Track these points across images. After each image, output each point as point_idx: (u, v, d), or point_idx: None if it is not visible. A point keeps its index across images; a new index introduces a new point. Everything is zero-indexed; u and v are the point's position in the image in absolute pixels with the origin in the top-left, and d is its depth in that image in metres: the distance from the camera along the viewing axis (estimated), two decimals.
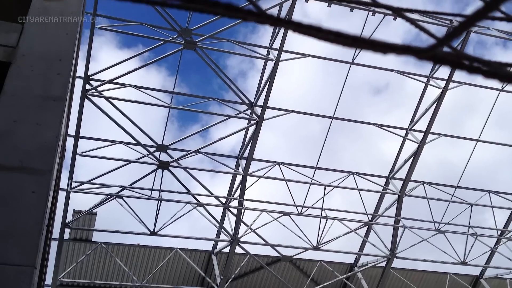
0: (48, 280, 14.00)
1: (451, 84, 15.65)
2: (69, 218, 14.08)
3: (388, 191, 17.00)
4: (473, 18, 1.25)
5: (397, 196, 16.88)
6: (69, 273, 15.55)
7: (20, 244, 4.41)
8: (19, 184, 4.67)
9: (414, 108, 16.36)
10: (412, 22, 1.49)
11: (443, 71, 15.54)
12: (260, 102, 14.64)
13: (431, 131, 16.06)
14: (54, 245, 13.57)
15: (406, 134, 16.38)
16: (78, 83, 12.56)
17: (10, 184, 4.62)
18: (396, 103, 20.21)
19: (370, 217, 17.29)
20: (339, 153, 18.82)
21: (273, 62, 14.31)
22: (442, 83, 15.66)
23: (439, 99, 15.65)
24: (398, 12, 1.66)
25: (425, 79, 15.82)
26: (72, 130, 13.34)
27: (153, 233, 14.82)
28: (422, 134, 16.08)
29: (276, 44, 14.39)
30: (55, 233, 13.26)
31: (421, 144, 16.02)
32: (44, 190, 4.74)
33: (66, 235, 14.37)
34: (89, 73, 13.20)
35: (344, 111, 16.01)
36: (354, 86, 16.70)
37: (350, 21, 14.55)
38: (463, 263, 17.40)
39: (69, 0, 6.28)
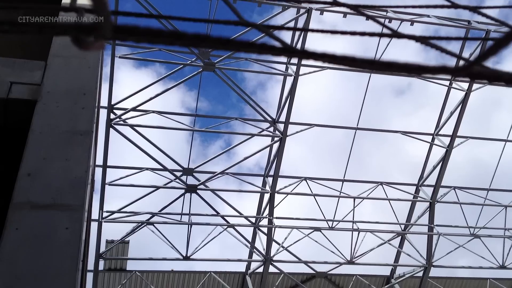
0: None
1: (475, 85, 15.40)
2: (102, 248, 14.16)
3: (419, 198, 16.72)
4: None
5: (428, 203, 16.58)
6: None
7: (58, 282, 4.42)
8: (52, 222, 4.69)
9: (438, 108, 16.08)
10: (433, 45, 1.44)
11: None
12: (282, 118, 14.60)
13: (458, 134, 15.79)
14: (89, 277, 13.65)
15: (433, 139, 16.14)
16: (102, 113, 12.72)
17: (44, 222, 4.65)
18: (421, 103, 19.90)
19: (402, 226, 16.99)
20: (366, 159, 18.58)
21: (292, 77, 14.30)
22: (465, 85, 15.43)
23: (463, 102, 15.40)
24: (412, 22, 1.61)
25: (447, 83, 15.61)
26: (99, 160, 13.49)
27: (186, 258, 14.80)
28: (449, 138, 15.82)
29: (294, 59, 14.39)
30: (90, 265, 13.35)
31: (449, 148, 15.75)
32: (77, 225, 4.75)
33: (101, 266, 14.45)
34: (112, 102, 13.37)
35: (367, 116, 15.85)
36: (376, 89, 16.53)
37: (366, 24, 14.46)
38: (502, 267, 16.95)
39: None
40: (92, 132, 5.51)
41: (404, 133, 15.99)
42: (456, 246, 16.70)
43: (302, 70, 14.34)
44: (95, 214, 13.27)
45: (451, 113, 15.74)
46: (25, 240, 4.45)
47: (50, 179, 4.88)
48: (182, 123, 14.08)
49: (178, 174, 14.37)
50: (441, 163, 16.01)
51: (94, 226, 13.55)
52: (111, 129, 13.26)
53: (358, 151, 16.64)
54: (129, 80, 20.21)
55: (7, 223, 4.52)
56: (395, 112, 20.51)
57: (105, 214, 13.77)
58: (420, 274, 16.67)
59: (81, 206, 4.84)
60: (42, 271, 4.34)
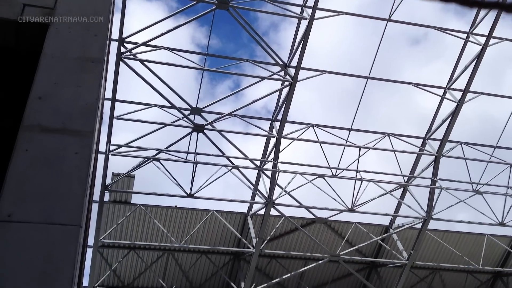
0: (90, 241, 14.42)
1: (492, 40, 15.08)
2: (108, 181, 14.38)
3: (424, 152, 16.73)
4: None
5: (434, 157, 16.60)
6: (110, 234, 15.97)
7: (66, 204, 4.48)
8: (62, 146, 4.71)
9: (453, 61, 15.82)
10: None
11: (484, 27, 14.97)
12: (293, 62, 14.43)
13: (470, 89, 15.60)
14: (95, 207, 13.93)
15: (444, 93, 15.97)
16: (113, 46, 12.60)
17: (54, 146, 4.67)
18: (435, 55, 19.51)
19: (405, 178, 17.10)
20: (375, 109, 18.43)
21: (307, 21, 14.01)
22: (482, 39, 15.11)
23: (479, 57, 15.12)
24: None
25: (464, 35, 15.28)
26: (108, 94, 13.48)
27: (190, 195, 15.02)
28: (461, 93, 15.65)
29: (310, 2, 14.06)
30: (96, 196, 13.57)
31: (460, 103, 15.60)
32: (86, 152, 4.78)
33: (106, 198, 14.71)
34: (122, 36, 13.21)
35: (379, 64, 15.62)
36: (390, 37, 16.21)
37: None
38: (501, 224, 17.14)
39: None
40: (104, 60, 5.46)
41: (416, 85, 15.82)
42: (457, 201, 16.84)
43: (318, 14, 14.04)
44: (102, 147, 13.40)
45: (465, 67, 15.49)
46: (34, 161, 4.49)
47: (61, 104, 4.88)
48: (192, 61, 13.95)
49: (186, 112, 14.38)
50: (450, 117, 15.91)
51: (101, 158, 13.72)
52: (121, 62, 13.16)
53: (367, 100, 16.52)
54: (140, 13, 19.87)
55: (17, 144, 4.55)
56: (408, 62, 20.17)
57: (112, 147, 13.89)
58: (419, 226, 16.89)
59: (90, 132, 4.86)
60: (50, 193, 4.40)
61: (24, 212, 4.33)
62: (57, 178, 4.48)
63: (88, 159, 4.71)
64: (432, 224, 16.92)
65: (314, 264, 17.19)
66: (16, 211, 4.33)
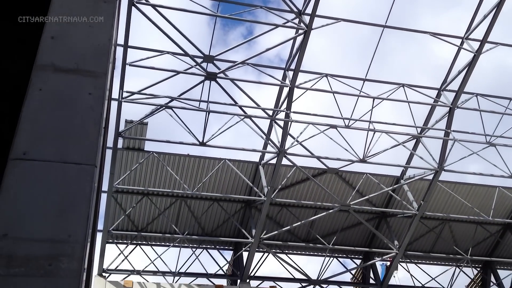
0: (105, 187, 14.67)
1: None
2: (121, 127, 14.48)
3: (439, 103, 16.56)
4: None
5: (448, 108, 16.43)
6: (124, 180, 16.22)
7: (80, 144, 4.52)
8: (75, 86, 4.71)
9: (471, 8, 15.35)
10: None
11: None
12: (309, 9, 14.13)
13: (488, 40, 15.25)
14: (108, 154, 14.08)
15: (462, 43, 15.64)
16: None
17: (67, 86, 4.68)
18: (454, 2, 18.93)
19: (419, 130, 17.00)
20: (390, 58, 18.13)
21: None
22: None
23: (499, 5, 14.66)
24: None
25: None
26: (121, 40, 13.38)
27: (202, 144, 15.10)
28: (479, 43, 15.30)
29: None
30: (109, 142, 13.70)
31: (477, 54, 15.29)
32: (100, 93, 4.78)
33: (120, 144, 14.85)
34: None
35: (397, 13, 15.21)
36: None
37: None
38: None
39: None
40: (116, 1, 5.38)
41: (433, 34, 15.49)
42: (470, 152, 16.78)
43: None
44: (115, 94, 13.42)
45: (484, 17, 15.09)
46: (48, 101, 4.51)
47: (74, 44, 4.85)
48: (204, 7, 13.72)
49: (199, 60, 14.27)
50: (466, 68, 15.63)
51: (114, 105, 13.76)
52: (133, 8, 12.99)
53: (383, 49, 16.24)
54: None
55: (30, 83, 4.56)
56: (426, 9, 19.63)
57: (125, 94, 13.90)
58: (430, 177, 16.91)
59: (104, 73, 4.85)
60: (65, 133, 4.43)
61: (39, 151, 4.38)
62: (71, 118, 4.51)
63: (102, 100, 4.72)
64: (444, 176, 16.96)
65: (324, 213, 17.41)
66: (31, 149, 4.37)
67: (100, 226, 15.47)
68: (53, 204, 4.18)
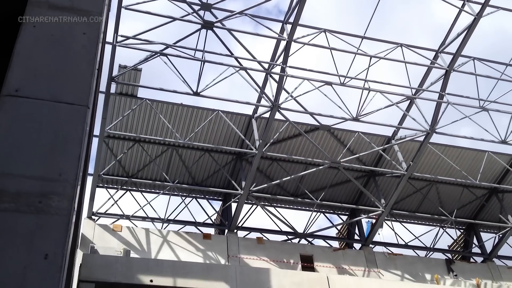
0: (96, 131, 14.66)
1: None
2: (115, 72, 14.33)
3: (436, 65, 16.48)
4: None
5: (444, 71, 16.38)
6: (116, 126, 16.21)
7: (74, 84, 4.49)
8: (70, 25, 4.65)
9: None
10: None
11: None
12: None
13: (490, 3, 15.06)
14: (101, 98, 14.00)
15: (463, 5, 15.44)
16: None
17: (62, 24, 4.60)
18: None
19: (413, 91, 16.99)
20: (390, 15, 17.88)
21: None
22: None
23: None
24: None
25: None
26: None
27: (196, 94, 15.03)
28: (480, 6, 15.11)
29: None
30: (102, 87, 13.59)
31: (477, 17, 15.12)
32: (94, 33, 4.72)
33: (113, 89, 14.74)
34: None
35: None
36: None
37: None
38: (504, 142, 17.26)
39: None
40: None
41: None
42: (463, 116, 16.85)
43: None
44: (109, 37, 13.20)
45: None
46: (42, 38, 4.44)
47: None
48: None
49: (196, 8, 14.02)
50: (466, 31, 15.50)
51: (107, 49, 13.57)
52: None
53: (383, 6, 16.00)
54: None
55: (24, 20, 4.48)
56: None
57: (119, 39, 13.69)
58: (421, 139, 17.02)
59: (99, 13, 4.77)
60: (58, 72, 4.39)
61: (32, 89, 4.35)
62: (65, 57, 4.46)
63: (96, 40, 4.66)
64: (435, 138, 17.07)
65: (314, 169, 17.57)
66: (24, 86, 4.34)
67: (90, 170, 15.55)
68: (44, 142, 4.18)
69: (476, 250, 20.11)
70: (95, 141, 14.82)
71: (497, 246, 19.47)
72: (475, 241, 20.35)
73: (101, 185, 17.38)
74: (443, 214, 19.33)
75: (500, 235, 19.42)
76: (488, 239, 20.28)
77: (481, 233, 20.64)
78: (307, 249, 17.88)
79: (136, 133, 16.65)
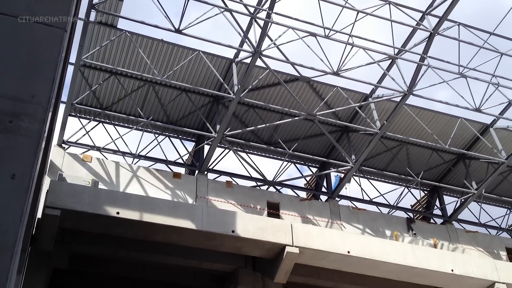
0: (72, 59, 14.32)
1: None
2: (95, 0, 13.89)
3: (421, 26, 16.43)
4: None
5: (429, 33, 16.35)
6: (93, 55, 15.86)
7: (53, 5, 4.37)
8: None
9: None
10: None
11: None
12: None
13: None
14: (79, 26, 13.59)
15: None
16: None
17: None
18: None
19: (396, 51, 16.98)
20: None
21: None
22: None
23: None
24: None
25: None
26: None
27: (178, 31, 14.71)
28: None
29: None
30: (81, 14, 13.19)
31: None
32: None
33: (92, 17, 14.31)
34: None
35: None
36: None
37: None
38: (477, 110, 17.53)
39: None
40: None
41: None
42: (441, 80, 16.98)
43: None
44: None
45: None
46: None
47: None
48: None
49: None
50: None
51: None
52: None
53: None
54: None
55: None
56: None
57: None
58: (398, 99, 17.16)
59: None
60: None
61: (8, 5, 4.22)
62: None
63: None
64: (411, 100, 17.23)
65: (289, 120, 17.66)
66: (2, 2, 4.21)
67: (64, 98, 15.31)
68: (19, 62, 4.11)
69: (437, 212, 20.77)
70: (70, 69, 14.50)
71: (458, 210, 20.11)
72: (437, 203, 20.98)
73: (73, 114, 17.16)
74: (409, 175, 19.77)
75: (462, 200, 20.03)
76: (450, 202, 20.92)
77: (444, 196, 21.26)
78: (275, 197, 18.19)
79: (113, 65, 16.33)
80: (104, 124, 17.89)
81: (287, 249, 12.66)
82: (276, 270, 13.02)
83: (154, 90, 17.39)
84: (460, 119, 19.02)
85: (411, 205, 21.33)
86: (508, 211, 22.52)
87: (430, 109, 18.98)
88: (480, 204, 21.66)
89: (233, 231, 12.48)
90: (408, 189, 20.93)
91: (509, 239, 21.27)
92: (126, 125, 18.25)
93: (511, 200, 21.47)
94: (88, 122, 17.44)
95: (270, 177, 18.81)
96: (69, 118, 16.33)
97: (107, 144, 17.33)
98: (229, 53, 17.00)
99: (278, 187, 19.31)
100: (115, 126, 18.07)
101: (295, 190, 19.65)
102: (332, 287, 14.91)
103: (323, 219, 18.12)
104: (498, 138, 19.12)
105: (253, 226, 12.76)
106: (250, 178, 18.87)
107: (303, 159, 20.27)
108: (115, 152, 17.53)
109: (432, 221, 20.63)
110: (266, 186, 18.87)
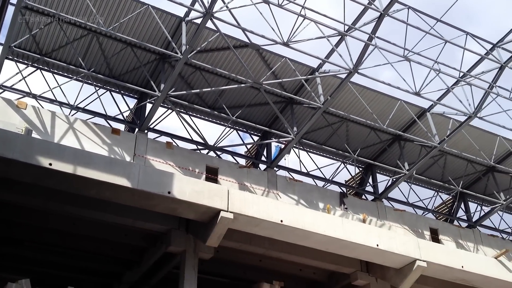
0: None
1: None
2: None
3: (372, 6, 16.61)
4: None
5: (379, 14, 16.58)
6: None
7: None
8: None
9: None
10: None
11: None
12: None
13: None
14: None
15: None
16: None
17: None
18: None
19: (346, 28, 17.13)
20: None
21: None
22: None
23: None
24: None
25: None
26: None
27: None
28: None
29: None
30: None
31: None
32: None
33: None
34: None
35: None
36: None
37: None
38: (417, 94, 18.05)
39: None
40: None
41: None
42: (386, 62, 17.34)
43: None
44: None
45: None
46: None
47: None
48: None
49: None
50: None
51: None
52: None
53: None
54: None
55: None
56: None
57: None
58: (343, 76, 17.42)
59: None
60: None
61: None
62: None
63: None
64: (356, 78, 17.55)
65: (235, 86, 17.58)
66: None
67: (1, 39, 14.52)
68: None
69: (369, 189, 21.46)
70: (10, 10, 13.69)
71: (389, 189, 20.88)
72: (370, 180, 21.67)
73: (10, 57, 16.34)
74: (347, 151, 20.26)
75: (394, 179, 20.78)
76: (382, 180, 21.67)
77: (377, 175, 21.97)
78: (214, 161, 18.18)
79: (57, 10, 15.56)
80: (42, 71, 17.15)
81: (222, 214, 12.71)
82: (209, 234, 13.07)
83: (98, 41, 16.78)
84: (400, 101, 19.57)
85: (345, 180, 21.93)
86: (436, 193, 23.60)
87: (372, 89, 19.39)
88: (410, 184, 22.59)
89: (169, 192, 12.38)
90: (344, 165, 21.48)
91: (434, 220, 22.38)
92: (65, 74, 17.58)
93: (439, 183, 22.53)
94: (26, 67, 16.68)
95: (211, 142, 18.76)
96: (6, 61, 15.53)
97: (44, 92, 16.66)
98: (180, 11, 16.61)
99: (219, 152, 19.31)
100: (54, 74, 17.38)
101: (235, 157, 19.72)
102: (263, 253, 15.19)
103: (260, 187, 18.33)
104: (434, 123, 19.85)
105: (189, 188, 12.70)
106: (191, 141, 18.74)
107: (246, 127, 20.31)
108: (52, 101, 16.89)
109: (363, 197, 21.32)
110: (207, 151, 18.81)
